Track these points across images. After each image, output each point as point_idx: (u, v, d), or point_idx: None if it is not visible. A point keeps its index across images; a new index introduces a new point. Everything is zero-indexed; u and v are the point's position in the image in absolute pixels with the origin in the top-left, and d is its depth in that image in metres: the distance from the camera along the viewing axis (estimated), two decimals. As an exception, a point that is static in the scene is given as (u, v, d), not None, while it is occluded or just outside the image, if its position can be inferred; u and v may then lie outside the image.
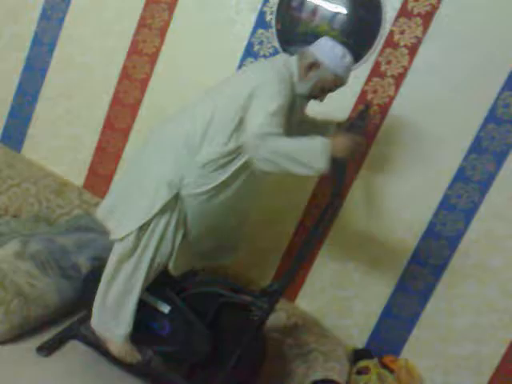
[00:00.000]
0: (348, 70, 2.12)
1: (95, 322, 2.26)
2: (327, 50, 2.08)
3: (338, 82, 2.12)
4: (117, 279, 2.18)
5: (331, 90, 2.16)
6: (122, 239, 2.14)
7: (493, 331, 2.72)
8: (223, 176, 2.10)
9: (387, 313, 2.85)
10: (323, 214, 2.12)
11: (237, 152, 2.07)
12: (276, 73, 2.06)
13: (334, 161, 1.94)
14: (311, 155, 1.94)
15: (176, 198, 2.10)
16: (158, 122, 2.28)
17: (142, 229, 2.11)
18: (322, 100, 2.19)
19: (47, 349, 2.35)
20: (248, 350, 2.20)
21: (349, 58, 2.09)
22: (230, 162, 2.08)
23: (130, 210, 2.16)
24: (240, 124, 2.04)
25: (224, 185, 2.12)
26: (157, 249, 2.13)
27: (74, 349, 2.44)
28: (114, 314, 2.20)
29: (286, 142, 1.97)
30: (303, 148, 1.96)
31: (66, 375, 2.29)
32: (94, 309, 2.25)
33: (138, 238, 2.12)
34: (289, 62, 2.14)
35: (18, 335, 2.34)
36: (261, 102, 2.00)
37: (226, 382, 2.32)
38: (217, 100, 2.11)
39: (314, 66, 2.08)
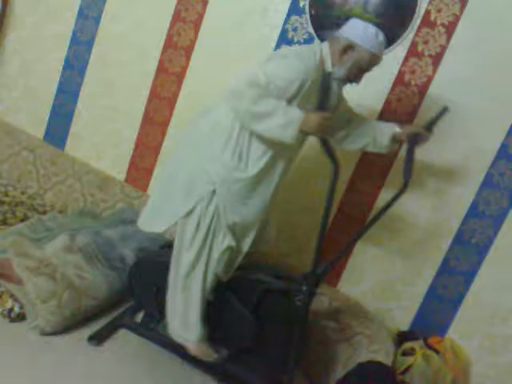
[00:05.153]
0: (383, 46, 2.10)
1: (171, 329, 2.30)
2: (360, 31, 2.05)
3: (374, 60, 2.09)
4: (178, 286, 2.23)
5: (368, 69, 2.13)
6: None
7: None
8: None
9: (432, 294, 2.80)
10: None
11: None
12: (299, 57, 2.04)
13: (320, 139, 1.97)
14: (282, 124, 1.93)
15: (211, 193, 2.12)
16: (192, 120, 2.27)
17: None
18: (358, 82, 2.16)
19: (98, 338, 2.42)
20: (292, 336, 2.22)
21: (382, 35, 2.07)
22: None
23: (168, 207, 2.21)
24: None
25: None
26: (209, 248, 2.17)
27: (124, 338, 2.51)
28: (183, 319, 2.25)
29: (265, 102, 1.93)
30: (276, 114, 1.93)
31: (117, 363, 2.36)
32: (167, 317, 2.31)
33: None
34: (318, 50, 2.11)
35: (70, 326, 2.42)
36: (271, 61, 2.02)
37: (272, 367, 2.35)
38: None
39: (348, 48, 2.06)
